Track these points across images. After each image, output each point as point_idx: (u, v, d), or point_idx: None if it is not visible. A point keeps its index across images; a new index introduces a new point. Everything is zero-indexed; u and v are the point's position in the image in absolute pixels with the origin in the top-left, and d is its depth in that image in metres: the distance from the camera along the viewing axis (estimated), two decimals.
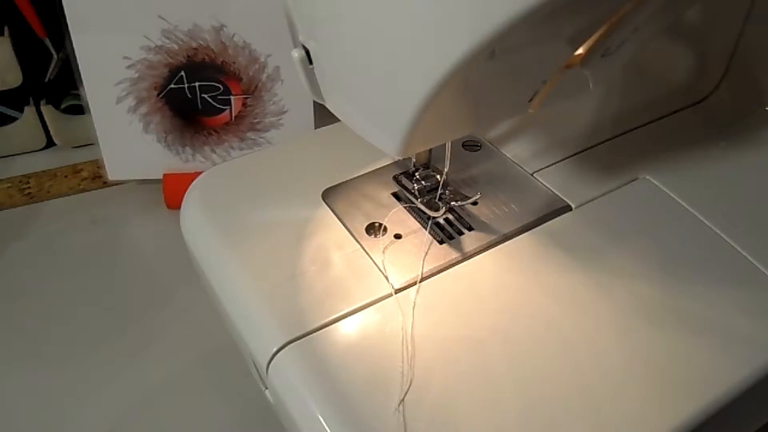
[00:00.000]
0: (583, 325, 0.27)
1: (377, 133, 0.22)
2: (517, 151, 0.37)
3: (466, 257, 0.31)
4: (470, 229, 0.33)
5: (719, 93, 0.41)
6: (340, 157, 0.38)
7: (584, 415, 0.24)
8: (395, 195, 0.35)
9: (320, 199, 0.35)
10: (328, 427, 0.25)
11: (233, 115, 0.53)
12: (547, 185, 0.35)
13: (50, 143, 0.60)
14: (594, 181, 0.35)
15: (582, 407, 0.24)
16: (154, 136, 0.52)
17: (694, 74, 0.40)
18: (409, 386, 0.25)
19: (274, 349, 0.28)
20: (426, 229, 0.33)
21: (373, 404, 0.25)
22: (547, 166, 0.36)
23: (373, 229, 0.33)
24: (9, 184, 0.56)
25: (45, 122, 0.58)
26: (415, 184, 0.34)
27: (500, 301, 0.29)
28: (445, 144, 0.32)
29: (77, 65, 0.49)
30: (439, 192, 0.33)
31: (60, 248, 0.51)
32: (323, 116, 0.51)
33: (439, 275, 0.31)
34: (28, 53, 0.56)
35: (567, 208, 0.34)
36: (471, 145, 0.38)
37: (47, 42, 0.55)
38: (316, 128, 0.52)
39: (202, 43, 0.50)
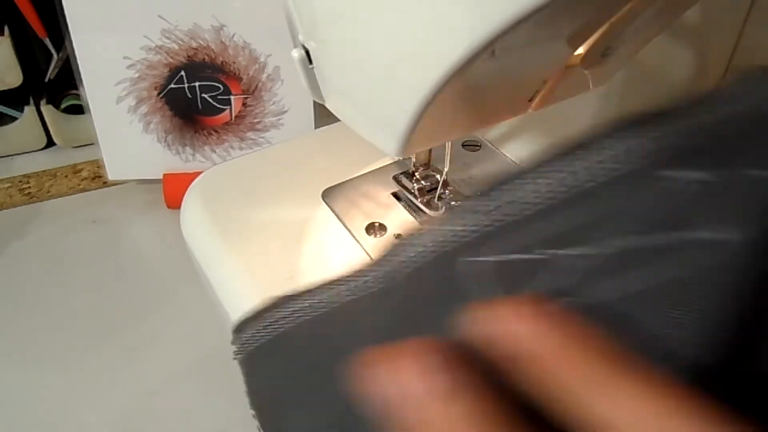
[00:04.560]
0: None
1: (377, 133, 0.22)
2: (517, 151, 0.37)
3: None
4: None
5: None
6: (340, 157, 0.38)
7: None
8: (395, 195, 0.35)
9: (320, 199, 0.35)
10: None
11: (233, 115, 0.53)
12: None
13: (50, 143, 0.60)
14: None
15: None
16: (154, 136, 0.52)
17: (693, 74, 0.40)
18: None
19: None
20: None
21: None
22: None
23: (373, 229, 0.33)
24: (9, 184, 0.56)
25: (45, 122, 0.58)
26: (415, 184, 0.34)
27: None
28: (445, 144, 0.32)
29: (77, 65, 0.49)
30: (439, 192, 0.34)
31: (60, 248, 0.51)
32: (323, 116, 0.51)
33: None
34: (28, 53, 0.56)
35: None
36: (471, 145, 0.38)
37: (47, 42, 0.55)
38: (316, 128, 0.52)
39: (202, 43, 0.50)
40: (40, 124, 0.58)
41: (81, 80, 0.50)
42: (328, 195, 0.35)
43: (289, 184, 0.36)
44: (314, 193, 0.35)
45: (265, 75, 0.51)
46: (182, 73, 0.51)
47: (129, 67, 0.50)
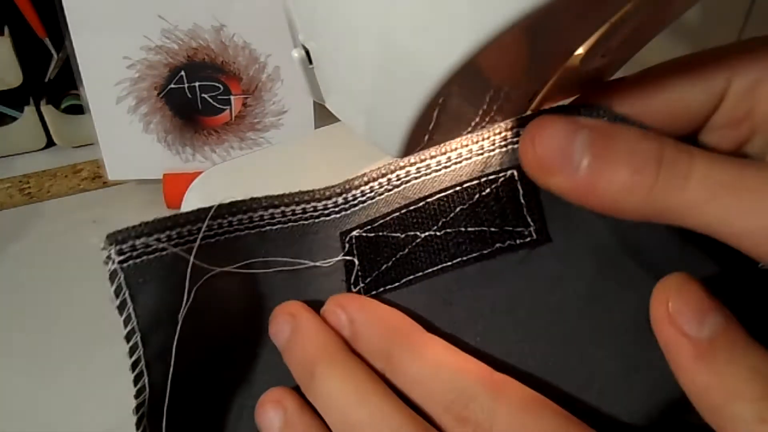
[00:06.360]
0: None
1: (377, 133, 0.22)
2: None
3: None
4: None
5: None
6: (340, 157, 0.38)
7: None
8: None
9: None
10: None
11: (233, 115, 0.53)
12: None
13: (50, 143, 0.60)
14: None
15: None
16: (154, 136, 0.52)
17: None
18: None
19: None
20: None
21: None
22: None
23: None
24: (9, 184, 0.56)
25: (45, 122, 0.58)
26: None
27: None
28: None
29: (77, 65, 0.49)
30: None
31: (60, 248, 0.51)
32: (323, 116, 0.51)
33: None
34: (28, 53, 0.55)
35: None
36: None
37: (47, 42, 0.55)
38: (316, 128, 0.52)
39: (202, 43, 0.50)
40: (40, 124, 0.58)
41: (81, 80, 0.50)
42: None
43: (289, 184, 0.36)
44: None
45: (265, 75, 0.51)
46: (182, 73, 0.51)
47: (129, 67, 0.50)
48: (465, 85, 0.19)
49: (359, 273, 0.25)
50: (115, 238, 0.22)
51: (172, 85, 0.51)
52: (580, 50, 0.21)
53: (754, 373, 0.17)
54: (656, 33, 0.24)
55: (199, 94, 0.52)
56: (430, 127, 0.21)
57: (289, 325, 0.24)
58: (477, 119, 0.22)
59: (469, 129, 0.23)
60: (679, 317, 0.18)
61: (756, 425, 0.16)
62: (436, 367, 0.21)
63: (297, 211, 0.25)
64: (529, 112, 0.24)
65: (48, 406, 0.41)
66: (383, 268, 0.24)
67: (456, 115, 0.21)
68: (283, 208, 0.25)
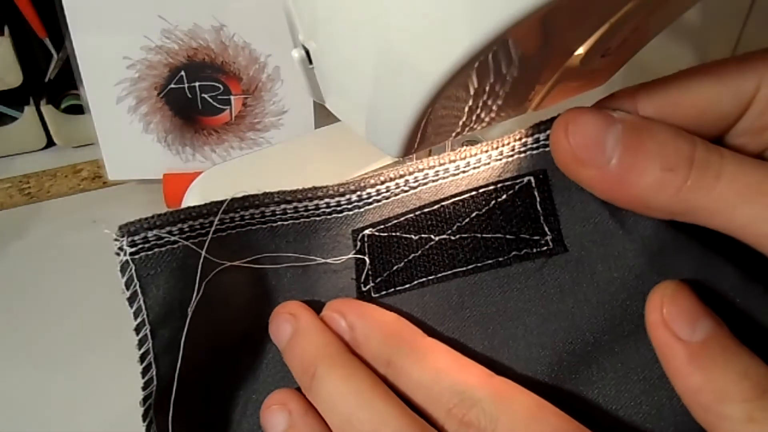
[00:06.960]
0: None
1: (377, 133, 0.22)
2: None
3: None
4: None
5: None
6: (340, 157, 0.38)
7: None
8: None
9: None
10: None
11: (233, 115, 0.53)
12: None
13: (50, 143, 0.60)
14: None
15: None
16: (154, 136, 0.52)
17: None
18: None
19: None
20: None
21: None
22: None
23: None
24: (9, 184, 0.56)
25: (45, 122, 0.58)
26: None
27: None
28: (445, 144, 0.32)
29: (77, 65, 0.49)
30: None
31: (60, 248, 0.51)
32: (323, 116, 0.51)
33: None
34: (28, 53, 0.55)
35: None
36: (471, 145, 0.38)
37: (47, 42, 0.55)
38: (316, 128, 0.52)
39: (202, 43, 0.50)
40: (40, 124, 0.58)
41: (81, 80, 0.50)
42: None
43: (289, 184, 0.36)
44: None
45: (265, 75, 0.51)
46: (182, 73, 0.51)
47: (129, 67, 0.50)
48: (463, 86, 0.19)
49: (370, 272, 0.25)
50: (127, 230, 0.22)
51: (172, 85, 0.51)
52: (580, 50, 0.21)
53: (743, 374, 0.18)
54: (656, 33, 0.24)
55: (199, 94, 0.52)
56: (429, 127, 0.21)
57: (290, 325, 0.24)
58: (474, 118, 0.22)
59: (467, 128, 0.23)
60: (673, 322, 0.19)
61: (745, 425, 0.17)
62: (438, 371, 0.21)
63: (309, 207, 0.25)
64: (530, 112, 0.24)
65: (49, 405, 0.41)
66: (394, 268, 0.24)
67: (454, 114, 0.21)
68: (295, 203, 0.25)
